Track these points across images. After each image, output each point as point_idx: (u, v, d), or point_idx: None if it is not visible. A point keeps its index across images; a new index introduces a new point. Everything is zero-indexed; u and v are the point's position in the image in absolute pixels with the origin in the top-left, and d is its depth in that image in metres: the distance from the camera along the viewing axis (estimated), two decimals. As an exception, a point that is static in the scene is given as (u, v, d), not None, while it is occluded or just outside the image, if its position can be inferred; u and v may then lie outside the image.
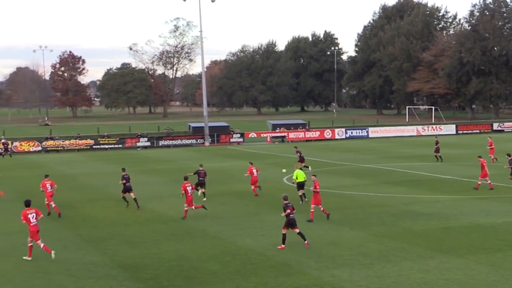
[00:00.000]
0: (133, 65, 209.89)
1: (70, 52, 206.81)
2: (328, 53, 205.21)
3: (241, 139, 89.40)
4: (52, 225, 32.61)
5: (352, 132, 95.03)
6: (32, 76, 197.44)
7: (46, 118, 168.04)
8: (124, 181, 37.54)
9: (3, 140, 76.55)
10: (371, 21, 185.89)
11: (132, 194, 37.44)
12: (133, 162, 65.36)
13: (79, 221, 33.82)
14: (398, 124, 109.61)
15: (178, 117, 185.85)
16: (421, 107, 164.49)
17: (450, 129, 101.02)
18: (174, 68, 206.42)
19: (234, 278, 22.61)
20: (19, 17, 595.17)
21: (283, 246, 26.74)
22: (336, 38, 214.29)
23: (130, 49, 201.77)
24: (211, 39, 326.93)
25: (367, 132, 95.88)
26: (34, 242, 25.95)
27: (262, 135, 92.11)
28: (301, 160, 52.32)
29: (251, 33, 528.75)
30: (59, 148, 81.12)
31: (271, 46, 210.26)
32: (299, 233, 26.98)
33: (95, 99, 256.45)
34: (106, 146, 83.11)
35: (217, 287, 21.75)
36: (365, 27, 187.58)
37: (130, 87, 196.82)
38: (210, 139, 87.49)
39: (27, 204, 26.43)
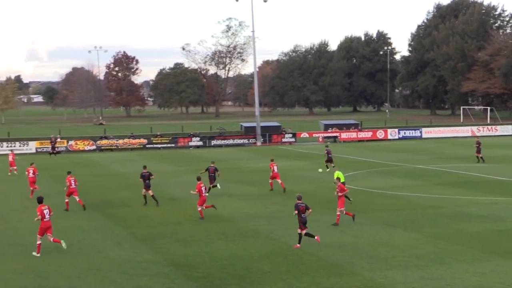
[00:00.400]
0: (186, 65, 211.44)
1: (124, 52, 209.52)
2: (381, 52, 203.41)
3: (293, 139, 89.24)
4: (106, 223, 33.03)
5: (405, 133, 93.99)
6: (87, 76, 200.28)
7: (100, 118, 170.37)
8: (143, 179, 38.24)
9: (52, 138, 77.76)
10: (425, 20, 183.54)
11: (150, 191, 38.12)
12: (185, 161, 65.80)
13: (132, 219, 34.16)
14: (452, 125, 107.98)
15: (230, 117, 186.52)
16: (476, 107, 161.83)
17: (507, 130, 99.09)
18: (227, 68, 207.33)
19: (286, 278, 22.54)
20: (75, 19, 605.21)
21: (298, 245, 26.90)
22: (389, 38, 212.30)
23: (183, 49, 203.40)
24: (263, 39, 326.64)
25: (421, 132, 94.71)
26: (45, 236, 26.60)
27: (314, 135, 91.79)
28: (329, 160, 53.86)
29: (303, 32, 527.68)
30: (113, 147, 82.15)
31: (323, 46, 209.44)
32: (306, 234, 27.02)
33: (148, 98, 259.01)
34: (159, 146, 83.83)
35: (268, 287, 21.71)
36: (418, 26, 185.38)
37: (183, 87, 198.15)
38: (262, 139, 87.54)
39: (40, 200, 27.32)
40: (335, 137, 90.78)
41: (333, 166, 51.55)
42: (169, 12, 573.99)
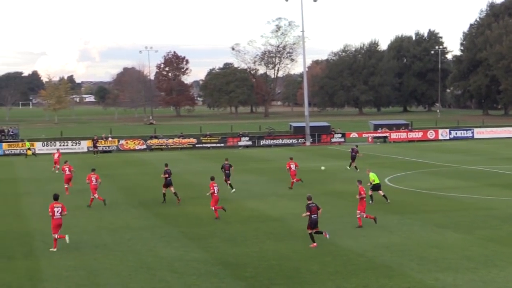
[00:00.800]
0: (235, 65, 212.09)
1: (174, 52, 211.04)
2: (432, 52, 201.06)
3: (342, 139, 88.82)
4: (156, 222, 33.36)
5: (456, 133, 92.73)
6: (138, 76, 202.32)
7: (150, 117, 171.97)
8: (167, 176, 38.93)
9: (95, 137, 78.75)
10: (478, 19, 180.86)
11: (172, 188, 38.80)
12: (234, 161, 65.91)
13: (182, 218, 34.44)
14: (506, 125, 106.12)
15: (279, 116, 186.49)
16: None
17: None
18: (276, 68, 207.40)
19: (334, 279, 22.48)
20: (126, 19, 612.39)
21: (315, 244, 27.24)
22: (441, 37, 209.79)
23: (233, 49, 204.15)
24: (313, 39, 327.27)
25: (472, 133, 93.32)
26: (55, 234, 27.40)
27: (363, 135, 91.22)
28: (352, 159, 54.78)
29: (353, 32, 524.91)
30: (163, 146, 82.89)
31: (373, 45, 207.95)
32: (316, 232, 27.50)
33: (198, 98, 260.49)
34: (208, 145, 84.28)
35: (317, 287, 21.68)
36: (471, 25, 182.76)
37: (232, 86, 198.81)
38: (311, 139, 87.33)
39: (55, 198, 28.21)
40: (385, 137, 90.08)
41: (355, 166, 54.17)
42: (219, 12, 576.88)
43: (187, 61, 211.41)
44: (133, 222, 33.44)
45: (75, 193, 44.07)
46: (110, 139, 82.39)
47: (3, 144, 78.28)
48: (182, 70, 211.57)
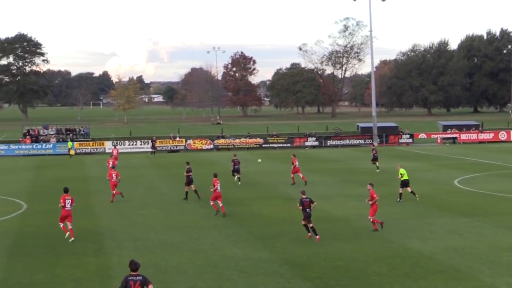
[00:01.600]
0: (302, 65, 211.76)
1: (242, 53, 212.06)
2: (505, 51, 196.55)
3: (410, 140, 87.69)
4: (223, 221, 33.57)
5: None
6: (205, 76, 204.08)
7: (218, 117, 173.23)
8: (190, 174, 40.44)
9: (154, 138, 79.52)
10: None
11: (192, 186, 39.98)
12: (301, 160, 65.89)
13: (248, 218, 34.58)
14: None
15: (346, 117, 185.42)
16: None
17: None
18: (343, 68, 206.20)
19: (402, 281, 22.23)
20: (195, 20, 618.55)
21: (310, 235, 28.80)
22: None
23: (300, 49, 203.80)
24: (381, 39, 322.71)
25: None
26: (65, 224, 29.17)
27: (432, 136, 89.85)
28: (374, 159, 56.20)
29: (422, 32, 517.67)
30: (230, 146, 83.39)
31: (443, 45, 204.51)
32: (311, 227, 28.61)
33: (265, 98, 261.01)
34: (275, 145, 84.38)
35: (384, 289, 21.49)
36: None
37: (299, 87, 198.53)
38: (379, 140, 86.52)
39: (66, 190, 29.63)
40: (455, 138, 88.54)
41: (376, 167, 55.62)
42: (286, 12, 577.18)
43: (254, 61, 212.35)
44: (200, 221, 33.74)
45: (144, 191, 44.76)
46: (177, 138, 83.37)
47: (75, 143, 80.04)
48: (249, 70, 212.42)
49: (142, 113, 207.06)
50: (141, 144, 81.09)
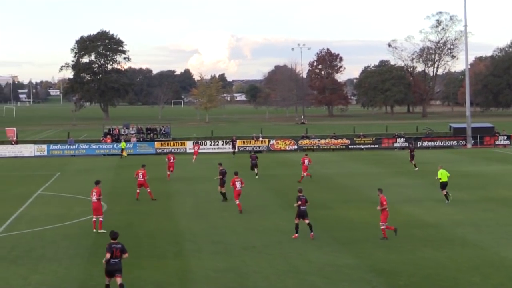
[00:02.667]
0: (392, 62, 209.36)
1: (328, 49, 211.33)
2: None
3: (507, 142, 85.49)
4: (306, 225, 33.51)
5: None
6: (289, 74, 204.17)
7: (302, 117, 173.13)
8: (221, 176, 41.66)
9: (234, 137, 79.74)
10: None
11: (223, 188, 41.19)
12: (389, 163, 65.25)
13: (333, 222, 34.47)
14: None
15: (438, 117, 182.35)
16: None
17: None
18: (435, 65, 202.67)
19: (496, 292, 21.72)
20: (278, 16, 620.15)
21: (296, 235, 30.22)
22: None
23: (389, 45, 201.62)
24: (476, 34, 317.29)
25: None
26: (96, 217, 32.01)
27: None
28: (411, 158, 59.99)
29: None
30: (315, 147, 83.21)
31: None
32: (308, 224, 30.32)
33: (352, 97, 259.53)
34: (362, 146, 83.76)
35: (477, 300, 21.04)
36: None
37: (388, 85, 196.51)
38: (473, 141, 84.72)
39: (97, 182, 33.15)
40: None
41: (414, 165, 58.77)
42: (374, 7, 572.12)
43: (340, 59, 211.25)
44: (283, 224, 33.80)
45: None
46: (260, 139, 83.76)
47: (155, 142, 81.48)
48: (336, 68, 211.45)
49: (224, 112, 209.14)
50: (222, 144, 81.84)
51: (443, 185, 40.27)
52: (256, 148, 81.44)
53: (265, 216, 36.17)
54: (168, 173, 54.01)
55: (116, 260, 21.69)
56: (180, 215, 37.22)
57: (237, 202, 37.49)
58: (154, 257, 27.12)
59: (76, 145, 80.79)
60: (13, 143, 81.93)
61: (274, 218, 35.76)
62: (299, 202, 30.46)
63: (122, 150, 75.90)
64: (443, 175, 40.31)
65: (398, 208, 37.88)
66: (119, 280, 21.47)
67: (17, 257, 27.38)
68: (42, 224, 34.19)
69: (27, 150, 78.82)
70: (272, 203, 40.84)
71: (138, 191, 42.38)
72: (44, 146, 79.93)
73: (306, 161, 51.74)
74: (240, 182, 37.49)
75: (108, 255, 21.56)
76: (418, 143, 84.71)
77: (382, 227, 30.37)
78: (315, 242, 29.48)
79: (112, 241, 22.01)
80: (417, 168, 57.74)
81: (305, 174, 51.21)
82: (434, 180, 49.94)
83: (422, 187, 47.43)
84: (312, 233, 30.19)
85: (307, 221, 30.33)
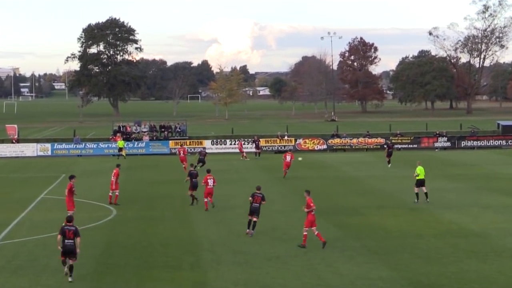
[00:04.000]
0: (433, 53, 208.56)
1: (361, 38, 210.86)
2: None
3: None
4: (336, 234, 33.51)
5: None
6: (318, 66, 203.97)
7: (332, 113, 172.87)
8: (190, 177, 42.58)
9: (256, 137, 78.90)
10: None
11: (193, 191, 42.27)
12: (429, 165, 64.86)
13: (366, 230, 34.40)
14: None
15: (484, 113, 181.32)
16: None
17: None
18: (482, 56, 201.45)
19: (549, 309, 21.57)
20: (306, 0, 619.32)
21: (248, 231, 32.94)
22: None
23: (430, 34, 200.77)
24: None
25: None
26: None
27: None
28: (389, 154, 63.84)
29: None
30: (346, 147, 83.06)
31: None
32: (253, 222, 32.82)
33: (388, 92, 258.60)
34: (399, 146, 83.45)
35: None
36: None
37: (429, 78, 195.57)
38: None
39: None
40: None
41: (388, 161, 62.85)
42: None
43: (375, 49, 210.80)
44: (310, 233, 33.74)
45: (246, 197, 45.18)
46: (286, 137, 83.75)
47: (170, 141, 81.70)
48: (370, 59, 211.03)
49: (246, 108, 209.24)
50: (244, 144, 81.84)
51: (420, 182, 41.94)
52: (281, 147, 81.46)
53: (290, 224, 36.16)
54: (184, 165, 60.01)
55: (70, 241, 25.17)
56: (197, 221, 37.34)
57: (205, 200, 40.28)
58: (168, 267, 27.23)
59: (83, 144, 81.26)
60: (14, 141, 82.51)
61: (301, 225, 35.64)
62: (251, 199, 33.26)
63: (121, 149, 75.73)
64: (421, 171, 41.97)
65: (439, 215, 37.78)
66: (71, 261, 25.17)
67: (18, 267, 27.61)
68: (45, 231, 34.40)
69: (29, 150, 79.41)
70: (298, 209, 40.78)
71: (110, 194, 43.21)
72: (48, 145, 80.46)
73: (288, 157, 56.20)
74: (212, 180, 40.10)
75: (59, 237, 25.35)
76: (462, 142, 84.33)
77: (304, 233, 30.69)
78: (346, 252, 29.44)
79: (66, 223, 25.62)
80: (390, 165, 62.85)
81: (286, 169, 55.79)
82: (480, 184, 49.85)
83: (467, 192, 47.22)
84: (252, 231, 32.84)
85: (254, 219, 32.92)
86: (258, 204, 33.02)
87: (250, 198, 33.35)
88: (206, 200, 40.30)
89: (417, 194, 42.00)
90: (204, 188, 40.34)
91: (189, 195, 42.14)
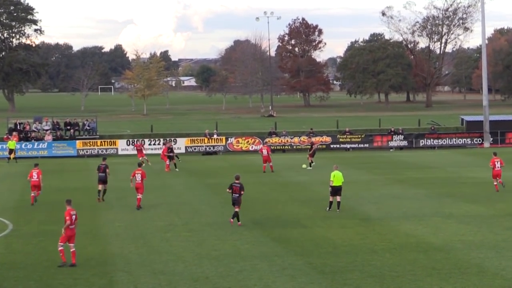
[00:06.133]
0: (386, 37, 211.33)
1: (303, 19, 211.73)
2: None
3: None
4: (275, 249, 33.60)
5: None
6: (253, 52, 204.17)
7: (270, 107, 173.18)
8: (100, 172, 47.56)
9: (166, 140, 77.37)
10: None
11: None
12: (383, 167, 65.65)
13: (309, 244, 34.55)
14: None
15: (446, 107, 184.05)
16: None
17: None
18: (443, 40, 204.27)
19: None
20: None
21: (231, 220, 38.51)
22: None
23: (383, 14, 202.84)
24: (495, 0, 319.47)
25: None
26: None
27: None
28: (312, 154, 65.63)
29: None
30: (286, 147, 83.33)
31: None
32: (236, 212, 38.43)
33: (334, 82, 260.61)
34: (347, 145, 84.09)
35: None
36: None
37: (382, 66, 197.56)
38: (492, 139, 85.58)
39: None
40: None
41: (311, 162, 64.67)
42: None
43: (320, 31, 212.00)
44: (244, 248, 33.83)
45: (169, 206, 45.07)
46: (215, 136, 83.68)
47: (77, 142, 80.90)
48: (314, 44, 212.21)
49: (168, 101, 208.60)
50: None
51: (336, 190, 42.23)
52: (209, 148, 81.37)
53: (221, 238, 36.15)
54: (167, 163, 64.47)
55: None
56: (111, 236, 37.07)
57: (138, 196, 43.85)
58: (75, 292, 27.02)
59: (-29, 145, 79.91)
60: None
61: (233, 239, 35.76)
62: (229, 190, 38.59)
63: (11, 151, 74.25)
64: (336, 178, 42.15)
65: (395, 226, 38.13)
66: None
67: None
68: None
69: None
70: (231, 224, 40.83)
71: (32, 194, 45.83)
72: None
73: (265, 151, 62.19)
74: (141, 174, 43.83)
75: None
76: (421, 141, 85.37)
77: (60, 248, 30.92)
78: (287, 271, 29.53)
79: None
80: (310, 167, 64.23)
81: (270, 164, 61.70)
82: (442, 190, 50.50)
83: (427, 199, 47.74)
84: (239, 222, 38.28)
85: (236, 209, 38.33)
86: (237, 195, 38.46)
87: (228, 190, 38.59)
88: (139, 196, 44.08)
89: (330, 202, 42.60)
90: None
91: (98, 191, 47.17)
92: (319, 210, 43.59)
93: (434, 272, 29.17)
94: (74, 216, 31.30)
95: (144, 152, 72.15)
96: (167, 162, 64.69)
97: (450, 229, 37.75)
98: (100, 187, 47.50)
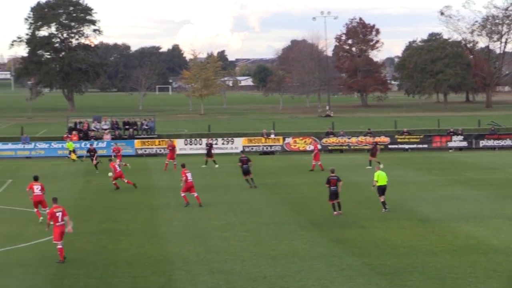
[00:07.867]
0: (445, 36, 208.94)
1: (360, 19, 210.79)
2: None
3: None
4: (333, 250, 33.54)
5: None
6: (310, 51, 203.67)
7: (327, 107, 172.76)
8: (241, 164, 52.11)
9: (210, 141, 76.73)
10: None
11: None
12: (442, 168, 65.14)
13: (368, 245, 34.43)
14: None
15: (507, 108, 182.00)
16: None
17: None
18: (503, 40, 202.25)
19: None
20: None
21: (335, 213, 41.16)
22: None
23: (442, 14, 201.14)
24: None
25: None
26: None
27: None
28: (372, 154, 65.37)
29: None
30: (343, 147, 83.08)
31: None
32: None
33: (392, 82, 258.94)
34: (406, 146, 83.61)
35: None
36: None
37: (440, 65, 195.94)
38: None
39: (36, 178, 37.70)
40: None
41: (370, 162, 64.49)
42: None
43: (377, 31, 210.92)
44: (302, 248, 33.79)
45: (227, 206, 45.18)
46: (272, 136, 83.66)
47: (135, 141, 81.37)
48: (371, 44, 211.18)
49: (225, 101, 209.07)
50: (223, 144, 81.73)
51: (382, 190, 42.70)
52: (267, 148, 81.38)
53: (278, 237, 36.16)
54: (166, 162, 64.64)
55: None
56: (169, 236, 37.25)
57: (183, 195, 45.36)
58: (134, 290, 27.21)
59: (33, 144, 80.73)
60: None
61: (291, 240, 35.73)
62: (327, 184, 41.62)
63: (71, 152, 74.63)
64: (381, 177, 42.46)
65: (454, 228, 37.85)
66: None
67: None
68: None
69: (-33, 151, 78.92)
70: (288, 220, 40.82)
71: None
72: (-10, 146, 80.00)
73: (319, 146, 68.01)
74: (190, 174, 45.37)
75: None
76: (481, 142, 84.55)
77: (59, 247, 31.46)
78: (345, 272, 29.47)
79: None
80: (370, 167, 62.98)
81: (319, 163, 62.88)
82: (503, 191, 49.97)
83: (488, 200, 47.31)
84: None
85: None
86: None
87: (327, 184, 41.75)
88: (184, 194, 45.23)
89: (383, 203, 42.60)
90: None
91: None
92: (377, 210, 43.38)
93: (495, 275, 28.93)
94: (59, 214, 31.87)
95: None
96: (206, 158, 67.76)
97: (511, 231, 37.37)
98: (246, 177, 52.56)
